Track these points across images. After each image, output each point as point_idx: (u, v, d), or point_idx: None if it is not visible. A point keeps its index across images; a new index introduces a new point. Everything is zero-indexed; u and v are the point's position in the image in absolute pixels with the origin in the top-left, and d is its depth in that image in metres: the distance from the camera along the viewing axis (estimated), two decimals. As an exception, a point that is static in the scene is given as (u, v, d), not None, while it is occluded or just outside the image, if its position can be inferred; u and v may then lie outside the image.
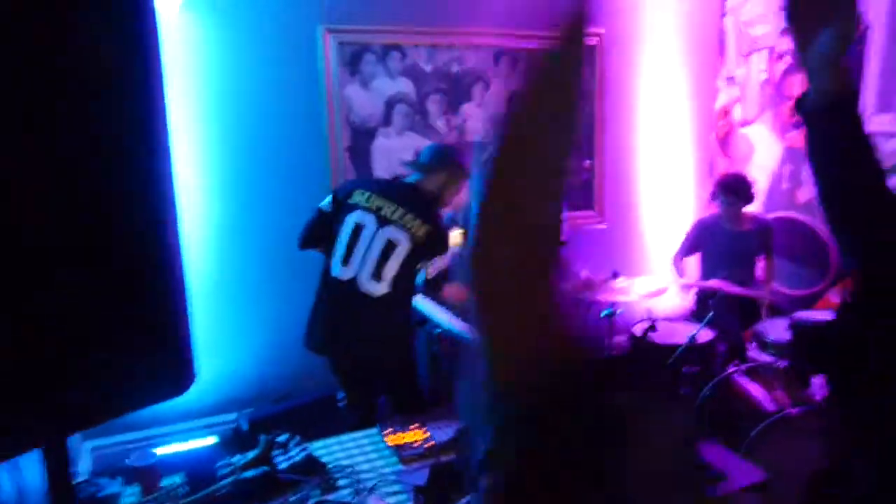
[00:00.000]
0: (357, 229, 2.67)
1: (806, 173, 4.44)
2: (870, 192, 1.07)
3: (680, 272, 4.17)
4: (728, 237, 4.02)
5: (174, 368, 0.85)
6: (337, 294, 2.75)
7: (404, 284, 2.66)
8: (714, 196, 4.04)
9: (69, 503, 0.86)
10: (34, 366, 0.72)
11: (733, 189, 3.94)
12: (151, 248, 0.81)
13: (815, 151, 1.11)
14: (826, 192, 1.11)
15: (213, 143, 3.66)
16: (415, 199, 2.70)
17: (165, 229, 0.83)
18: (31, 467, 1.79)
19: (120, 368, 0.79)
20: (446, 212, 2.82)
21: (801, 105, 1.10)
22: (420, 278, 2.67)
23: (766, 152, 4.74)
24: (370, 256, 2.66)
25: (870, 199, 1.07)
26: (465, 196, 2.92)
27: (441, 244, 2.70)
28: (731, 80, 4.95)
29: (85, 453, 3.46)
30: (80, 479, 2.13)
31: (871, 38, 3.94)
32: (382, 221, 2.65)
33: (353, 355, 2.78)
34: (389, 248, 2.63)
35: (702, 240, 4.12)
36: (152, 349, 0.82)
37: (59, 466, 0.84)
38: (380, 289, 2.64)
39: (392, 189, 2.79)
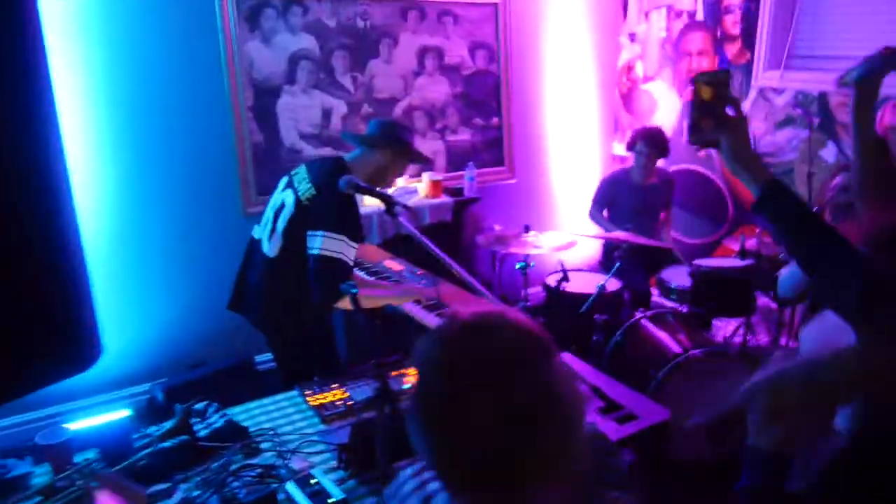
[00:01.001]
0: (281, 203, 2.63)
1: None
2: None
3: (599, 223, 4.30)
4: (636, 190, 4.18)
5: (77, 344, 0.79)
6: (248, 252, 2.77)
7: (292, 253, 2.55)
8: (631, 146, 4.16)
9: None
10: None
11: (654, 141, 4.07)
12: (43, 222, 0.76)
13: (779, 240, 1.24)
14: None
15: (106, 108, 3.46)
16: (327, 172, 2.59)
17: (58, 202, 0.78)
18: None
19: (17, 348, 0.74)
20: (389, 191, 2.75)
21: (755, 208, 1.21)
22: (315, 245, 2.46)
23: (666, 108, 4.92)
24: (269, 216, 2.64)
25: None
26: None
27: (325, 212, 2.47)
28: (632, 36, 5.08)
29: (-14, 435, 3.30)
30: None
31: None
32: (290, 186, 2.63)
33: (256, 314, 2.76)
34: (280, 208, 2.60)
35: (611, 194, 4.26)
36: (52, 326, 0.77)
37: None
38: (272, 250, 2.61)
39: (319, 165, 2.71)
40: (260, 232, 2.70)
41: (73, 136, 3.35)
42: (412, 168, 4.43)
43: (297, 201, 2.54)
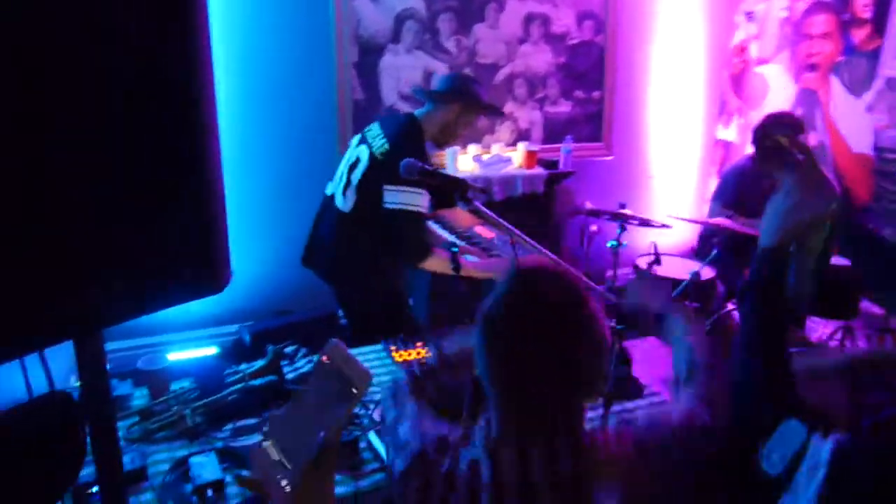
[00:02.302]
0: (356, 158, 2.66)
1: (819, 117, 4.39)
2: None
3: (719, 217, 3.93)
4: (759, 179, 3.91)
5: (210, 267, 0.85)
6: (321, 208, 2.81)
7: (366, 208, 2.56)
8: (767, 135, 3.79)
9: (103, 396, 0.86)
10: (69, 256, 0.71)
11: (794, 127, 3.78)
12: (192, 156, 0.81)
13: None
14: None
15: (217, 55, 3.56)
16: (399, 126, 2.61)
17: (207, 140, 0.83)
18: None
19: (161, 267, 0.79)
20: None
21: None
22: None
23: (779, 93, 4.66)
24: (343, 171, 2.67)
25: None
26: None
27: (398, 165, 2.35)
28: (749, 15, 4.82)
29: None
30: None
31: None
32: (363, 142, 2.65)
33: (326, 269, 2.81)
34: (355, 164, 2.62)
35: (740, 188, 3.85)
36: (191, 247, 0.82)
37: (93, 359, 0.84)
38: (346, 205, 2.62)
39: (391, 119, 2.72)
40: (333, 187, 2.74)
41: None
42: (508, 136, 4.39)
43: (372, 156, 2.56)
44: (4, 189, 0.68)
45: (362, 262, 2.67)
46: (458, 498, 1.05)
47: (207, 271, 0.81)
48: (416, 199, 2.45)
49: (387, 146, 2.53)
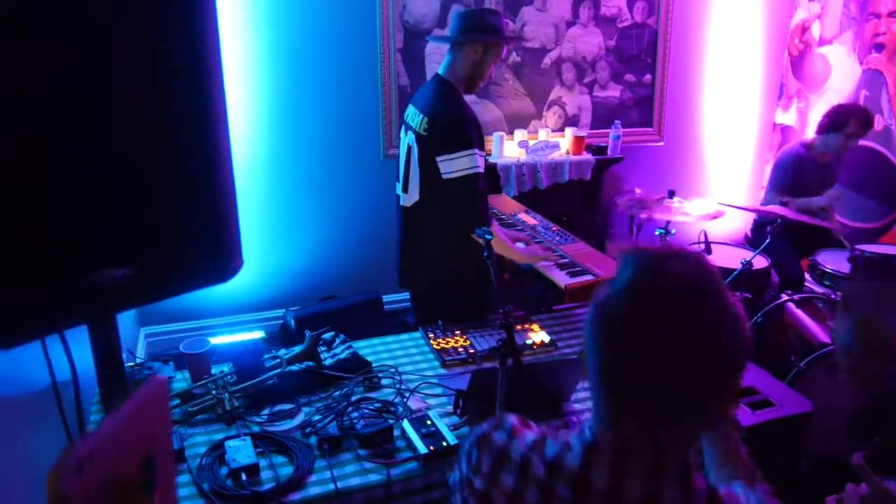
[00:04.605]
0: (407, 148, 2.59)
1: (885, 100, 4.18)
2: None
3: (775, 204, 3.84)
4: (816, 168, 3.78)
5: (221, 255, 0.85)
6: (397, 214, 2.72)
7: (429, 190, 2.49)
8: (838, 127, 3.71)
9: (118, 379, 0.87)
10: (79, 242, 0.72)
11: (868, 123, 3.64)
12: (200, 143, 0.82)
13: None
14: None
15: (266, 40, 3.58)
16: (430, 94, 2.50)
17: (216, 127, 0.83)
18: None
19: (167, 252, 0.79)
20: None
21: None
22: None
23: (842, 75, 4.45)
24: (401, 168, 2.61)
25: None
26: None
27: (446, 134, 2.39)
28: (812, -7, 4.61)
29: (140, 338, 3.60)
30: (134, 361, 2.21)
31: None
32: (407, 128, 2.59)
33: (404, 270, 2.73)
34: (409, 154, 2.56)
35: (795, 177, 3.77)
36: (200, 236, 0.82)
37: (106, 344, 0.84)
38: (409, 199, 2.58)
39: (421, 92, 2.64)
40: (398, 189, 2.66)
41: (231, 70, 3.50)
42: (555, 121, 4.31)
43: (417, 136, 2.49)
44: (20, 176, 0.68)
45: (435, 250, 2.57)
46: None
47: (217, 260, 0.81)
48: (473, 161, 2.36)
49: (426, 121, 2.46)
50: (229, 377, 1.98)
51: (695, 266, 0.89)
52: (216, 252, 0.81)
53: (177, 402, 1.93)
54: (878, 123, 4.16)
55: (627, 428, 0.90)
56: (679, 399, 0.86)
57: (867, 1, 4.24)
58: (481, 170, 2.40)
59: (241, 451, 1.68)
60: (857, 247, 3.32)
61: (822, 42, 4.57)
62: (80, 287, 0.72)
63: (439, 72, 2.54)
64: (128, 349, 2.75)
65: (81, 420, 0.94)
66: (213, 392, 1.91)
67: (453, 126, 2.41)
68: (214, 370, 2.06)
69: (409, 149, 2.55)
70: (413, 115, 2.55)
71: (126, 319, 3.15)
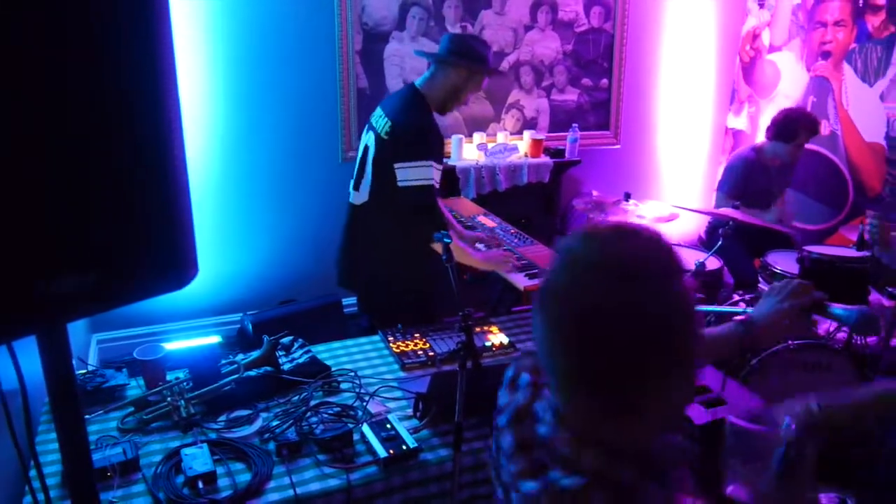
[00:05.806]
0: (364, 147, 2.61)
1: (831, 106, 4.31)
2: None
3: (725, 207, 3.91)
4: (766, 172, 3.87)
5: (175, 263, 0.83)
6: (346, 213, 2.74)
7: (380, 193, 2.51)
8: (790, 137, 3.74)
9: (67, 391, 0.85)
10: (27, 250, 0.70)
11: (815, 130, 3.73)
12: (153, 147, 0.81)
13: None
14: None
15: (221, 44, 3.53)
16: (400, 101, 2.53)
17: (170, 130, 0.83)
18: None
19: (124, 263, 0.78)
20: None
21: None
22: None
23: (791, 81, 4.58)
24: (357, 166, 2.63)
25: None
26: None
27: (407, 142, 2.41)
28: (762, 2, 4.74)
29: (92, 345, 3.51)
30: (86, 369, 2.16)
31: None
32: (370, 128, 2.60)
33: (345, 268, 2.76)
34: (365, 153, 2.57)
35: (746, 180, 3.83)
36: (153, 243, 0.81)
37: (56, 354, 0.82)
38: (359, 198, 2.59)
39: (392, 97, 2.66)
40: (350, 185, 2.68)
41: (186, 71, 3.44)
42: (514, 124, 4.34)
43: (378, 138, 2.50)
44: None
45: (379, 249, 2.58)
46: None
47: (172, 268, 0.80)
48: (428, 173, 2.39)
49: (389, 124, 2.47)
50: (185, 383, 1.95)
51: (645, 243, 0.85)
52: (170, 260, 0.80)
53: (131, 409, 1.89)
54: (825, 129, 4.29)
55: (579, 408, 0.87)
56: (618, 374, 0.81)
57: (814, 10, 4.38)
58: (436, 184, 2.43)
59: (197, 458, 1.65)
60: (805, 248, 3.42)
61: (772, 49, 4.70)
62: (28, 298, 0.70)
63: (416, 83, 2.57)
64: (78, 357, 2.68)
65: (30, 431, 0.92)
66: (169, 399, 1.88)
67: (415, 135, 2.43)
68: (170, 376, 2.02)
69: (367, 149, 2.57)
70: (378, 116, 2.57)
71: (77, 326, 3.07)
